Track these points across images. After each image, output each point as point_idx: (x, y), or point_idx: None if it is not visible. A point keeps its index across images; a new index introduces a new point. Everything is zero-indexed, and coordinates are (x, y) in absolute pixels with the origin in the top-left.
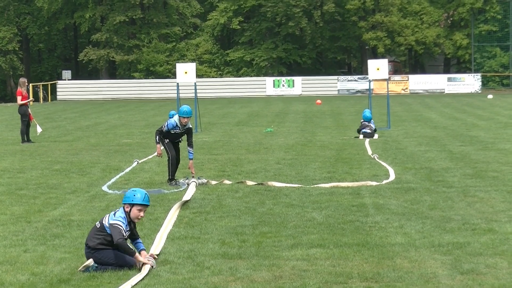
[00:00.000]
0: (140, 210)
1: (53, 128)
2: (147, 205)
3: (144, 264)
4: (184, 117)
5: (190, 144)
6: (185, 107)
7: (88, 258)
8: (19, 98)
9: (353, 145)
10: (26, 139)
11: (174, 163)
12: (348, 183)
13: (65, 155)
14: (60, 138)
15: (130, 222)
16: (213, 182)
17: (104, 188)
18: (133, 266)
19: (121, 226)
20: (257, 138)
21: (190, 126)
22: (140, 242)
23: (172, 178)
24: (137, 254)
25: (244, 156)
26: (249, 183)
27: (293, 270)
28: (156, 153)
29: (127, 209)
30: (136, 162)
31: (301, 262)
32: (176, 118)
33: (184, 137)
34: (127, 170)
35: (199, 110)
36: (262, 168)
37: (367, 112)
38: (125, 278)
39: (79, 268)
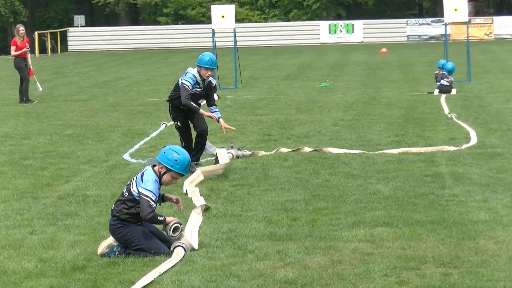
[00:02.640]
0: (174, 178)
1: (63, 85)
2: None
3: (177, 247)
4: (207, 68)
5: (211, 104)
6: (208, 55)
7: (111, 235)
8: (12, 48)
9: (426, 102)
10: (25, 99)
11: (189, 150)
12: (420, 149)
13: (78, 117)
14: (72, 97)
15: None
16: (261, 153)
17: (126, 156)
18: (166, 254)
19: (152, 199)
20: (309, 94)
21: (214, 83)
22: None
23: (198, 158)
24: (165, 218)
25: (294, 116)
26: (307, 149)
27: (354, 253)
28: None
29: (161, 171)
30: (164, 125)
31: (364, 244)
32: (194, 71)
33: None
34: (153, 134)
35: (239, 62)
36: (316, 131)
37: (449, 65)
38: (152, 265)
39: (100, 250)
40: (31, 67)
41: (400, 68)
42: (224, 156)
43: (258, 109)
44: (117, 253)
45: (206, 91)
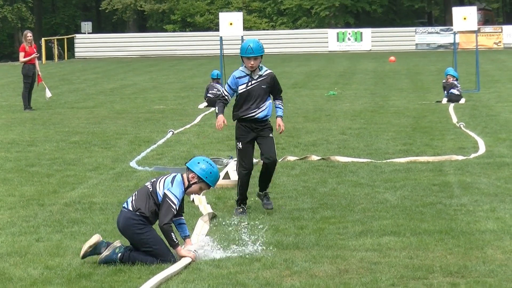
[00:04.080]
0: (201, 189)
1: (70, 92)
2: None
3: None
4: (248, 58)
5: (277, 97)
6: (248, 41)
7: (121, 229)
8: (21, 54)
9: (435, 111)
10: (28, 105)
11: (245, 181)
12: (428, 158)
13: (85, 124)
14: (78, 104)
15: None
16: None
17: (133, 164)
18: (172, 262)
19: (175, 206)
20: (317, 103)
21: (269, 73)
22: (184, 224)
23: (242, 201)
24: (179, 247)
25: (302, 125)
26: (314, 157)
27: (362, 262)
28: (217, 125)
29: (193, 180)
30: (171, 133)
31: (371, 253)
32: (242, 67)
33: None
34: (160, 142)
35: None
36: (324, 140)
37: (450, 71)
38: (158, 273)
39: (83, 251)
40: (39, 73)
41: (408, 76)
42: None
43: None
44: (119, 254)
45: (270, 86)
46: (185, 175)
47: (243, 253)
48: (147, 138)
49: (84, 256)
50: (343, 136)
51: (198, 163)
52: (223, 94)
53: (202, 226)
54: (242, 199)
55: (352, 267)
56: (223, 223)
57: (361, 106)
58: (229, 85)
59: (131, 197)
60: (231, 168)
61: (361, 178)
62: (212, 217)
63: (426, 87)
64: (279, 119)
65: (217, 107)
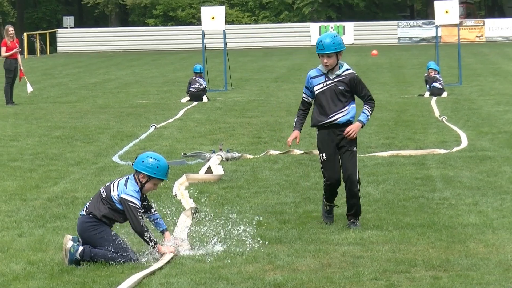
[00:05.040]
0: (156, 184)
1: (52, 87)
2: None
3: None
4: (322, 55)
5: (364, 102)
6: (320, 38)
7: (80, 234)
8: (3, 49)
9: (417, 104)
10: (10, 100)
11: (329, 192)
12: (410, 151)
13: (67, 119)
14: (61, 99)
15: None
16: (249, 156)
17: (115, 158)
18: (136, 261)
19: (137, 204)
20: (299, 97)
21: (349, 73)
22: (159, 218)
23: (328, 209)
24: (158, 245)
25: (284, 118)
26: (297, 152)
27: (344, 256)
28: (289, 139)
29: (143, 180)
30: (153, 127)
31: (354, 247)
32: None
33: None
34: (143, 137)
35: (229, 64)
36: (306, 134)
37: (432, 64)
38: (141, 268)
39: (63, 253)
40: (21, 67)
41: (391, 70)
42: (219, 168)
43: (248, 111)
44: (78, 252)
45: (349, 88)
46: (136, 176)
47: (226, 247)
48: (129, 133)
49: (70, 262)
50: None
51: (143, 161)
52: (302, 98)
53: (184, 221)
54: (331, 204)
55: (335, 261)
56: (206, 218)
57: None
58: (305, 87)
59: (87, 203)
60: (214, 162)
61: None
62: (195, 211)
63: (408, 80)
64: (356, 124)
65: (296, 117)
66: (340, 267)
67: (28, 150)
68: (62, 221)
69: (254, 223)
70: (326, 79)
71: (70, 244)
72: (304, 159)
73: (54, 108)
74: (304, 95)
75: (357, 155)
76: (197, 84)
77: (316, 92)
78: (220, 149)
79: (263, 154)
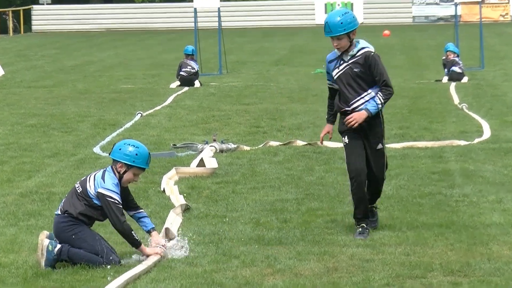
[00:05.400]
0: (136, 175)
1: (26, 70)
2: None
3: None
4: (332, 38)
5: (379, 86)
6: (329, 16)
7: (57, 236)
8: None
9: (434, 91)
10: None
11: (357, 193)
12: (426, 143)
13: (43, 105)
14: (36, 83)
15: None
16: (246, 148)
17: (96, 149)
18: (119, 264)
19: (117, 200)
20: (302, 82)
21: (364, 52)
22: (145, 217)
23: (361, 219)
24: (143, 246)
25: (286, 106)
26: (299, 143)
27: (352, 260)
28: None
29: (121, 170)
30: (139, 115)
31: (363, 249)
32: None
33: None
34: (127, 125)
35: (224, 45)
36: (310, 123)
37: (451, 46)
38: (125, 271)
39: (42, 264)
40: None
41: (404, 52)
42: (212, 161)
43: (245, 98)
44: (55, 250)
45: (364, 70)
46: (114, 167)
47: (220, 249)
48: (112, 121)
49: (47, 265)
50: None
51: (120, 149)
52: (327, 85)
53: (174, 219)
54: (360, 217)
55: (342, 264)
56: (197, 216)
57: None
58: (327, 72)
59: (62, 201)
60: (206, 154)
61: None
62: (185, 209)
63: (424, 64)
64: (361, 112)
65: (327, 108)
66: (347, 272)
67: None
68: (37, 219)
69: (251, 222)
70: (341, 61)
71: (47, 241)
72: (308, 151)
73: (28, 94)
74: (328, 82)
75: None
76: (188, 67)
77: (334, 78)
78: (214, 140)
79: (261, 145)
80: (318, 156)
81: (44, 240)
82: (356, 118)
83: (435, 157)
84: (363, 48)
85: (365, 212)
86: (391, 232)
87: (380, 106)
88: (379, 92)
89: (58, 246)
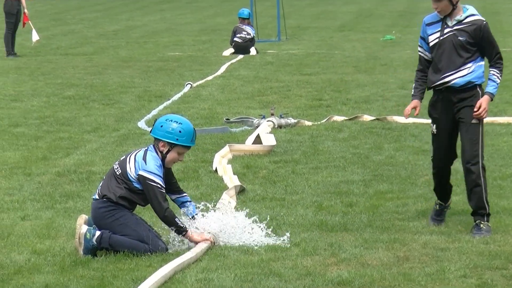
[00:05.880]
0: (181, 154)
1: (63, 35)
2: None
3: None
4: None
5: (492, 63)
6: None
7: (96, 223)
8: None
9: None
10: (12, 50)
11: (437, 183)
12: (507, 118)
13: (82, 74)
14: (74, 50)
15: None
16: (308, 123)
17: (141, 124)
18: (166, 251)
19: (160, 184)
20: (370, 49)
21: (475, 20)
22: (189, 201)
23: (440, 204)
24: (190, 232)
25: (351, 76)
26: (367, 118)
27: (425, 249)
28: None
29: (164, 149)
30: (189, 86)
31: (438, 237)
32: None
33: None
34: (175, 97)
35: (283, 8)
36: (379, 95)
37: None
38: (172, 260)
39: (76, 240)
40: (25, 10)
41: (484, 16)
42: (270, 137)
43: (306, 67)
44: (95, 237)
45: (473, 40)
46: (156, 146)
47: (278, 236)
48: (159, 93)
49: (85, 253)
50: (403, 91)
51: (161, 126)
52: (418, 53)
53: (227, 203)
54: (439, 206)
55: (414, 254)
56: (253, 199)
57: None
58: (420, 37)
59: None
60: (263, 130)
61: (425, 144)
62: (240, 190)
63: (506, 30)
64: (484, 97)
65: (414, 82)
66: (420, 262)
67: (33, 113)
68: (76, 202)
69: (313, 206)
70: (445, 26)
71: (85, 228)
72: (376, 126)
73: (65, 62)
74: (419, 49)
75: (425, 120)
76: (243, 32)
77: (430, 44)
78: (272, 114)
79: (325, 120)
80: (387, 133)
81: (82, 226)
82: (485, 106)
83: None
84: (472, 15)
85: (444, 197)
86: (468, 218)
87: (499, 82)
88: (494, 69)
89: (98, 233)
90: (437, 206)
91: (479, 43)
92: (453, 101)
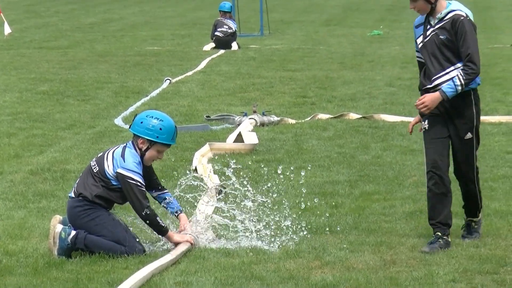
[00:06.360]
0: (160, 152)
1: (37, 28)
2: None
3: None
4: None
5: (463, 62)
6: None
7: (72, 223)
8: None
9: (510, 57)
10: None
11: (431, 197)
12: (500, 117)
13: (56, 69)
14: (48, 43)
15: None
16: (291, 121)
17: (118, 121)
18: (143, 253)
19: (140, 182)
20: (357, 45)
21: (453, 15)
22: (171, 198)
23: (435, 226)
24: (170, 233)
25: (337, 73)
26: (353, 116)
27: (413, 252)
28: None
29: (143, 146)
30: (168, 82)
31: (426, 240)
32: None
33: None
34: (154, 93)
35: (266, 2)
36: (365, 93)
37: None
38: (150, 262)
39: (50, 241)
40: None
41: (475, 12)
42: (252, 136)
43: (290, 63)
44: (69, 237)
45: (451, 37)
46: (135, 143)
47: (260, 238)
48: (136, 88)
49: (60, 254)
50: (391, 88)
51: (141, 122)
52: (416, 59)
53: (207, 203)
54: (436, 224)
55: (401, 257)
56: (235, 199)
57: (413, 50)
58: (415, 41)
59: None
60: (245, 128)
61: (413, 143)
62: (220, 191)
63: (498, 26)
64: (434, 94)
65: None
66: (407, 265)
67: (5, 109)
68: (49, 201)
69: (297, 207)
70: (428, 26)
71: (60, 227)
72: (363, 125)
73: (39, 56)
74: (416, 54)
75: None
76: (224, 27)
77: (419, 47)
78: (254, 111)
79: (309, 118)
80: (374, 132)
81: (56, 226)
82: (427, 102)
83: (510, 134)
84: (453, 10)
85: (444, 216)
86: (458, 221)
87: (459, 88)
88: (461, 70)
89: (73, 233)
90: (439, 235)
91: (455, 38)
92: (445, 106)
